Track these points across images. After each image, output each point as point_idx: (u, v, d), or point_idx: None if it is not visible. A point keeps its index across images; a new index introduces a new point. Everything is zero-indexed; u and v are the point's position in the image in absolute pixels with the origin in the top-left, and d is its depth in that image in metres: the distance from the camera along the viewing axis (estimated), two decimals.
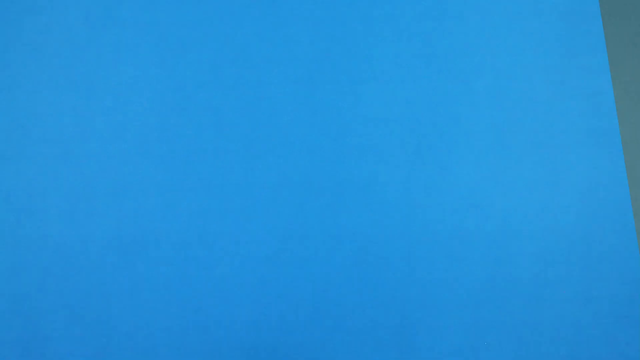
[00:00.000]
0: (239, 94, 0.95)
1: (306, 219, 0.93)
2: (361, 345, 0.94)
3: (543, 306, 0.93)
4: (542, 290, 0.93)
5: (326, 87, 0.94)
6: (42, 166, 0.94)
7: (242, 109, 0.94)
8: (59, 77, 0.95)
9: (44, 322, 0.94)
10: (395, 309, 0.93)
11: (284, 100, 0.94)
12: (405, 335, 0.94)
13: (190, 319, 0.94)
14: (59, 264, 0.94)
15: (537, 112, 0.94)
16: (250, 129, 0.94)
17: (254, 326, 0.93)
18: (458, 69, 0.95)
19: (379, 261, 0.93)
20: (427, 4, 0.97)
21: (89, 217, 0.94)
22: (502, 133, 0.94)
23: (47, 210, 0.94)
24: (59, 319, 0.94)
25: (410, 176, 0.94)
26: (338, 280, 0.93)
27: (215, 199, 0.94)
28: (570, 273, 0.93)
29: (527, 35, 0.95)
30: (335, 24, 0.96)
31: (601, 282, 0.93)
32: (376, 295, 0.93)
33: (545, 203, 0.93)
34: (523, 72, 0.94)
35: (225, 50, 0.95)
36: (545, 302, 0.93)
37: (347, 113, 0.94)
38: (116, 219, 0.94)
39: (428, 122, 0.94)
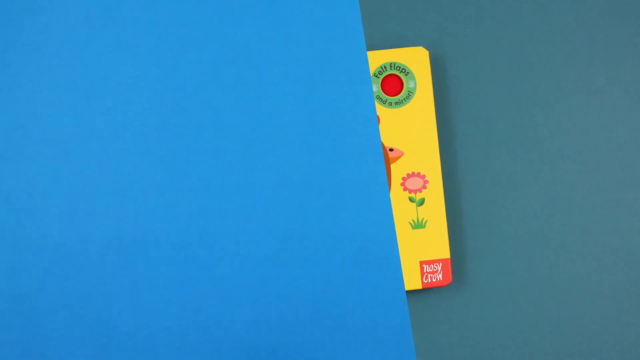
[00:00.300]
0: (239, 94, 0.95)
1: (306, 219, 0.93)
2: (361, 344, 0.94)
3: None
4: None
5: (326, 87, 0.94)
6: (42, 166, 0.94)
7: (242, 109, 0.94)
8: (59, 77, 0.95)
9: (44, 322, 0.94)
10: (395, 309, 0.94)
11: (283, 100, 0.94)
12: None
13: (190, 319, 0.94)
14: (59, 264, 0.94)
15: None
16: (250, 129, 0.94)
17: (254, 326, 0.94)
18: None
19: (378, 261, 0.93)
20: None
21: (89, 217, 0.94)
22: None
23: (47, 210, 0.94)
24: (59, 319, 0.94)
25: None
26: (338, 280, 0.93)
27: (215, 199, 0.94)
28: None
29: None
30: (335, 24, 0.96)
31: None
32: (376, 295, 0.94)
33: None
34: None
35: (225, 50, 0.96)
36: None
37: (347, 113, 0.94)
38: (116, 219, 0.94)
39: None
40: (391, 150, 0.92)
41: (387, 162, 0.92)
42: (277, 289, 0.93)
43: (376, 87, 0.92)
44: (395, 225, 0.92)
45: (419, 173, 0.92)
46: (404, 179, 0.92)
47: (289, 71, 0.94)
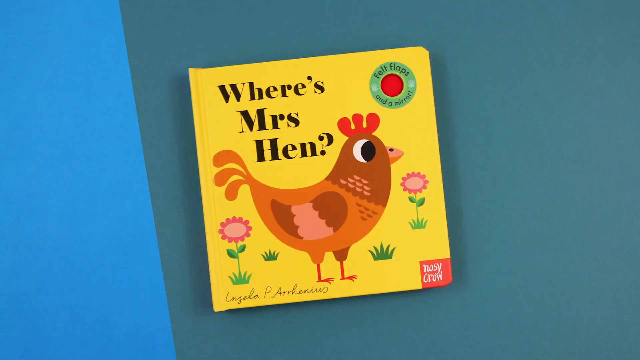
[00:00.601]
0: None
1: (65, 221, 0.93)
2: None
3: None
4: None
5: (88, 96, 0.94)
6: (42, 166, 0.94)
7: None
8: (59, 77, 0.95)
9: (44, 322, 0.94)
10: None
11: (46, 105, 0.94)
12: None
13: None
14: (59, 264, 0.94)
15: None
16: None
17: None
18: None
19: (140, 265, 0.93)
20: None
21: (89, 217, 0.94)
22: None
23: (47, 210, 0.94)
24: (59, 319, 0.94)
25: None
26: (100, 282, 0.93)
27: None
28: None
29: None
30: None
31: None
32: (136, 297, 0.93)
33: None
34: None
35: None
36: None
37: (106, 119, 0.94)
38: (116, 219, 0.94)
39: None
40: (391, 150, 0.92)
41: (387, 162, 0.92)
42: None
43: (376, 87, 0.93)
44: (395, 225, 0.92)
45: (419, 173, 0.92)
46: (404, 179, 0.92)
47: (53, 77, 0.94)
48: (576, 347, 0.94)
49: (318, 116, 0.92)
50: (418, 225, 0.92)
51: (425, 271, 0.92)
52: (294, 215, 0.92)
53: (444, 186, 0.95)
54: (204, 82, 0.92)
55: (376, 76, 0.93)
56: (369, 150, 0.93)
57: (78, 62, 0.95)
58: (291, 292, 0.92)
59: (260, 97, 0.92)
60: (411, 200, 0.92)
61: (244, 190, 0.92)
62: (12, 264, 0.94)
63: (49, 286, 0.94)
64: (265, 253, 0.92)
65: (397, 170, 0.92)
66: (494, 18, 0.96)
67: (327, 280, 0.92)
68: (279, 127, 0.92)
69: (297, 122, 0.92)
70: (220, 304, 0.91)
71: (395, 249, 0.92)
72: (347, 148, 0.93)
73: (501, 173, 0.95)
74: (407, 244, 0.92)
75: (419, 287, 0.92)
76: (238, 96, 0.92)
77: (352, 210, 0.92)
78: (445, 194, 0.95)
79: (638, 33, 0.96)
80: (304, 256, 0.92)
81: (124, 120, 0.95)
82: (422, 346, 0.94)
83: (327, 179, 0.92)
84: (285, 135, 0.92)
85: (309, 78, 0.93)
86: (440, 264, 0.92)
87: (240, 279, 0.91)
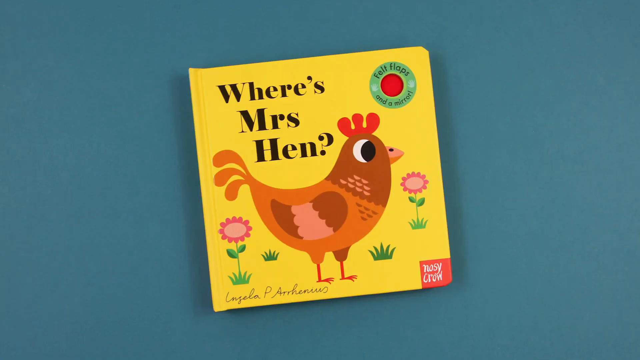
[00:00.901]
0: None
1: None
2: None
3: None
4: None
5: None
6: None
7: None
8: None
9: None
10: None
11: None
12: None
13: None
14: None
15: None
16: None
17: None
18: None
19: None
20: None
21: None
22: None
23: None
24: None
25: None
26: None
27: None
28: None
29: None
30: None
31: None
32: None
33: None
34: None
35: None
36: None
37: None
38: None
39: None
40: (391, 150, 0.92)
41: (387, 162, 0.92)
42: None
43: (376, 87, 0.93)
44: (395, 225, 0.92)
45: (419, 173, 0.92)
46: (404, 179, 0.92)
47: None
48: (576, 347, 0.94)
49: (318, 116, 0.93)
50: (418, 225, 0.92)
51: (425, 271, 0.92)
52: (294, 215, 0.92)
53: (444, 186, 0.95)
54: (204, 82, 0.92)
55: (376, 76, 0.93)
56: (369, 150, 0.93)
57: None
58: (291, 292, 0.92)
59: (260, 97, 0.93)
60: (411, 200, 0.92)
61: (244, 190, 0.92)
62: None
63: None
64: (265, 253, 0.92)
65: (397, 170, 0.92)
66: (494, 18, 0.96)
67: (327, 280, 0.92)
68: (279, 127, 0.92)
69: (297, 122, 0.92)
70: (220, 304, 0.91)
71: (395, 249, 0.92)
72: (347, 148, 0.93)
73: (501, 173, 0.95)
74: (407, 244, 0.92)
75: (419, 287, 0.92)
76: (238, 96, 0.92)
77: (352, 210, 0.92)
78: (445, 194, 0.95)
79: (638, 33, 0.96)
80: (304, 256, 0.92)
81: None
82: (422, 346, 0.94)
83: (327, 179, 0.92)
84: (285, 135, 0.92)
85: (309, 78, 0.93)
86: (440, 264, 0.92)
87: (240, 279, 0.91)
